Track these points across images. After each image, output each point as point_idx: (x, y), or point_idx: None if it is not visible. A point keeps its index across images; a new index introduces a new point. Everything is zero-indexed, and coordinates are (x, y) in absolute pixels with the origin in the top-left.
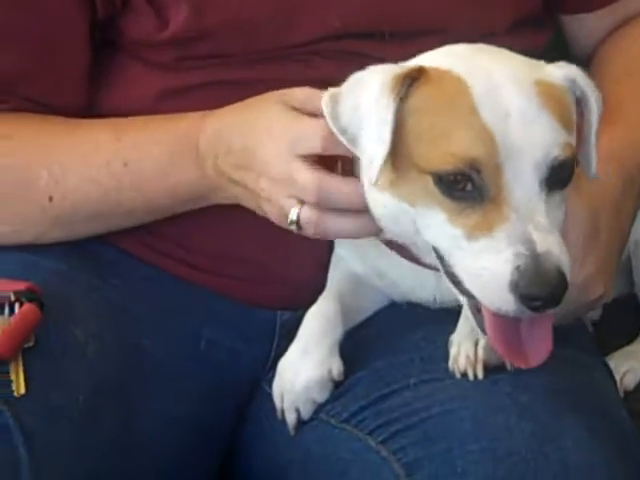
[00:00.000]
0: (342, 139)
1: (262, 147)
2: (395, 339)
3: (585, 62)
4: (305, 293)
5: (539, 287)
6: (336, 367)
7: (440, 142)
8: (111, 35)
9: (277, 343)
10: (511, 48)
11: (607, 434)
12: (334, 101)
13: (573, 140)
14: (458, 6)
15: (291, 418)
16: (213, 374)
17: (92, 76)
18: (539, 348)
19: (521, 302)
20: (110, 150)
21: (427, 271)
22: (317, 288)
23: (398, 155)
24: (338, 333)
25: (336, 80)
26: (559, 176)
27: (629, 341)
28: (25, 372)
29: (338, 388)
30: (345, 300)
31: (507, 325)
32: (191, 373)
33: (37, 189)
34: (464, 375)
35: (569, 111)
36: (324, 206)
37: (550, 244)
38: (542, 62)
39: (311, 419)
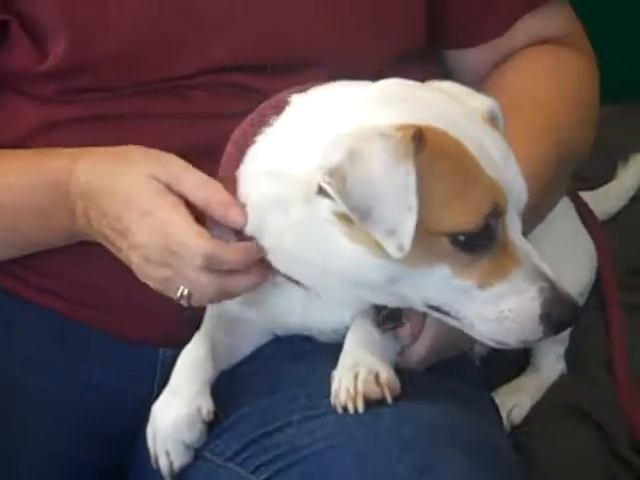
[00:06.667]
0: (352, 216)
1: (139, 228)
2: (279, 374)
3: None
4: (186, 330)
5: (568, 312)
6: (205, 406)
7: (456, 203)
8: None
9: (159, 381)
10: None
11: (489, 467)
12: (340, 179)
13: None
14: (342, 40)
15: (163, 462)
16: (94, 412)
17: None
18: None
19: (551, 330)
20: None
21: (295, 295)
22: (198, 325)
23: None
24: (208, 373)
25: (218, 113)
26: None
27: (516, 376)
28: None
29: (221, 426)
30: (219, 339)
31: None
32: (72, 411)
33: None
34: (345, 409)
35: None
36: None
37: (552, 270)
38: (469, 90)
39: (195, 457)
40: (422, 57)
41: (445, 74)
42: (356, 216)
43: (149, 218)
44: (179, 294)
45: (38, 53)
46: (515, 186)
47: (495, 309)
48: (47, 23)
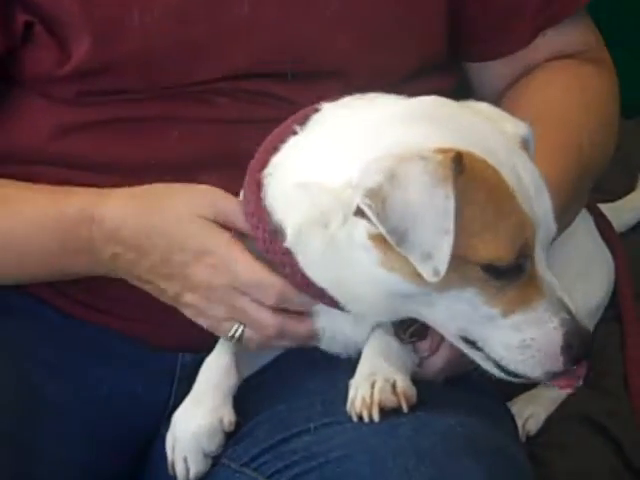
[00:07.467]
0: (389, 239)
1: (197, 269)
2: (297, 382)
3: None
4: (207, 335)
5: (586, 345)
6: (227, 417)
7: (489, 233)
8: (10, 70)
9: (177, 386)
10: (418, 93)
11: (505, 477)
12: (380, 200)
13: None
14: (362, 50)
15: (180, 469)
16: (114, 419)
17: None
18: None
19: (570, 361)
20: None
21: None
22: None
23: None
24: (232, 383)
25: (239, 119)
26: None
27: (532, 386)
28: None
29: (239, 432)
30: (241, 348)
31: None
32: (92, 418)
33: None
34: (361, 418)
35: None
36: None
37: (572, 303)
38: (504, 113)
39: (213, 464)
40: (442, 69)
41: (465, 86)
42: (393, 239)
43: (208, 257)
44: (232, 333)
45: (61, 55)
46: (545, 219)
47: (518, 336)
48: (70, 25)
